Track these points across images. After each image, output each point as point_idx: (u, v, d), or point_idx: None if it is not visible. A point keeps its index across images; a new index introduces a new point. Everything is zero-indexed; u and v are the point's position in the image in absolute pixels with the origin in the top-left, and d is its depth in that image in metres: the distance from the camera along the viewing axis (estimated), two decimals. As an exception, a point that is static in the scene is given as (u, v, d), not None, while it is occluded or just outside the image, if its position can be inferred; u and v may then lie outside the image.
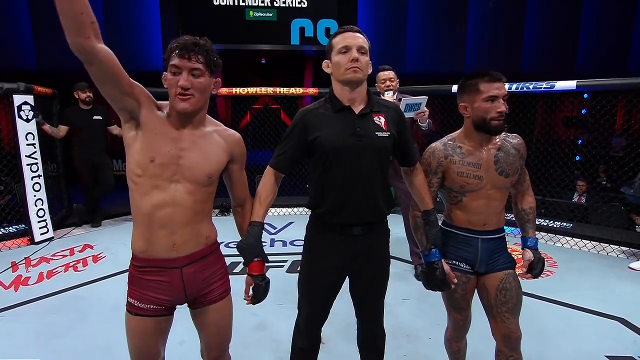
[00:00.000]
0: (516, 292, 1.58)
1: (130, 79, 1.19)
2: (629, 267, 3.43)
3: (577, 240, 4.01)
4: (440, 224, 1.64)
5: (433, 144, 1.63)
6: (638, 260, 3.52)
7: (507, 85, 1.53)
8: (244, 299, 1.44)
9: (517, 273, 1.62)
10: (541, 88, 3.97)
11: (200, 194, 1.28)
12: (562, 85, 3.86)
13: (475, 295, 1.66)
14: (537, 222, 1.80)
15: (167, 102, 1.28)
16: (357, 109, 1.45)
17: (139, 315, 1.28)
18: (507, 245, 1.67)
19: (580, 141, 7.36)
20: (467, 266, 1.61)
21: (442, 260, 1.56)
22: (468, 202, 1.58)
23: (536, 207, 1.71)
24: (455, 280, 1.57)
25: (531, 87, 4.02)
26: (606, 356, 2.19)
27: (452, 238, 1.63)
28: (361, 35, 1.42)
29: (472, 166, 1.55)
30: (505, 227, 1.67)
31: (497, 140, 1.59)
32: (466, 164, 1.55)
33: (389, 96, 2.87)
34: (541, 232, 4.21)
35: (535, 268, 1.59)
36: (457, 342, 1.78)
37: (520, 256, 1.65)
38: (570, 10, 8.42)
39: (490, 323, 1.62)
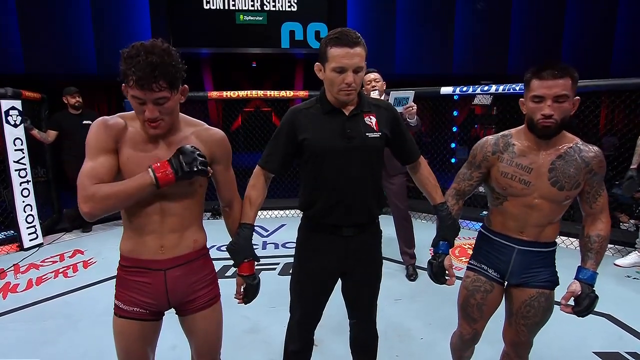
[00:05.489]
0: (542, 313, 1.44)
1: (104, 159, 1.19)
2: (614, 264, 3.50)
3: (563, 238, 4.06)
4: (480, 228, 1.58)
5: (486, 137, 1.49)
6: (623, 257, 3.59)
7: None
8: (235, 297, 1.43)
9: (556, 302, 1.44)
10: (528, 89, 4.02)
11: (186, 201, 1.27)
12: (548, 86, 3.91)
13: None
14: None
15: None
16: (348, 110, 1.44)
17: (123, 317, 1.28)
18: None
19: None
20: (496, 273, 1.50)
21: (448, 255, 1.49)
22: (509, 206, 1.43)
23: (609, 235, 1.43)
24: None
25: (518, 88, 4.06)
26: (593, 352, 2.24)
27: (487, 243, 1.52)
28: (359, 49, 1.32)
29: (521, 169, 1.38)
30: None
31: (563, 146, 1.37)
32: (514, 165, 1.39)
33: (375, 95, 2.91)
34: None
35: (581, 305, 1.34)
36: (462, 352, 1.70)
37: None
38: (554, 14, 8.58)
39: (504, 324, 1.55)
